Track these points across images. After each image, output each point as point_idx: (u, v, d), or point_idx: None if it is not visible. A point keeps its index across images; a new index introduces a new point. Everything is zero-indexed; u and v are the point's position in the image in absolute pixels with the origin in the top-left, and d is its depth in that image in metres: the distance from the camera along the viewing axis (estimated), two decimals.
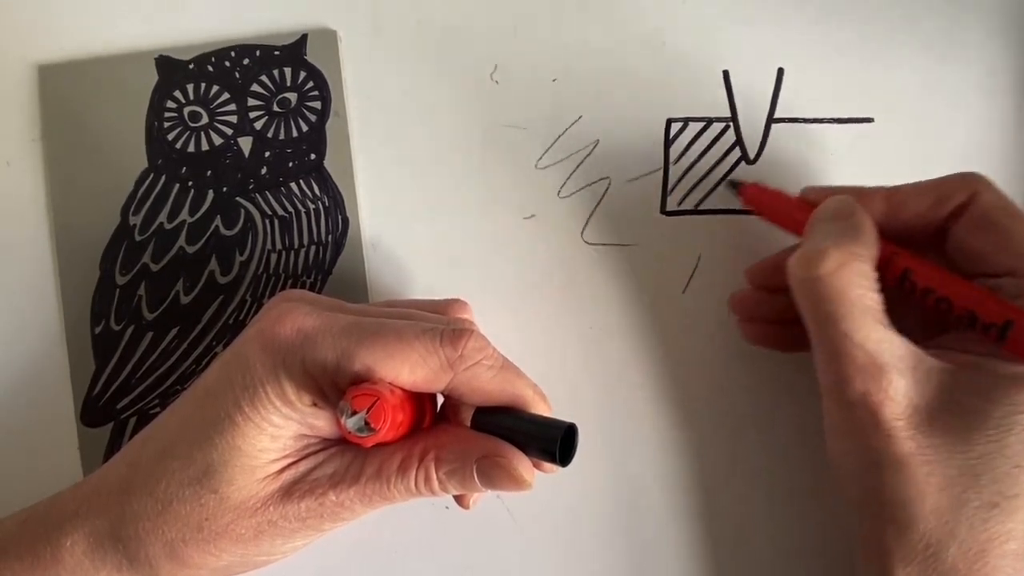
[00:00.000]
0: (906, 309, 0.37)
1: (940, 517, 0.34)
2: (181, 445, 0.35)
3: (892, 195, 0.39)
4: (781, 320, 0.43)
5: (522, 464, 0.35)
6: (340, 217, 0.47)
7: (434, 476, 0.35)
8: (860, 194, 0.40)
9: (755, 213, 0.44)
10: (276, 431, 0.35)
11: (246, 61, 0.48)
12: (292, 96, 0.48)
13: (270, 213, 0.47)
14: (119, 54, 0.48)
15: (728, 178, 0.46)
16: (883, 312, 0.36)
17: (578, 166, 0.47)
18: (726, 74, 0.47)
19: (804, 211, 0.40)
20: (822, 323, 0.36)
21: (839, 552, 0.44)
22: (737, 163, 0.46)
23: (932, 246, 0.40)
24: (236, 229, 0.47)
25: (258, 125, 0.48)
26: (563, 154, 0.47)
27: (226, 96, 0.48)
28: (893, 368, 0.34)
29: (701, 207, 0.47)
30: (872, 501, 0.36)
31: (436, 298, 0.42)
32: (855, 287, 0.35)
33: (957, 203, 0.38)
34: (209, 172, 0.48)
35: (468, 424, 0.38)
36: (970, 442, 0.34)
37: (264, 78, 0.48)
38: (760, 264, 0.44)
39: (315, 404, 0.35)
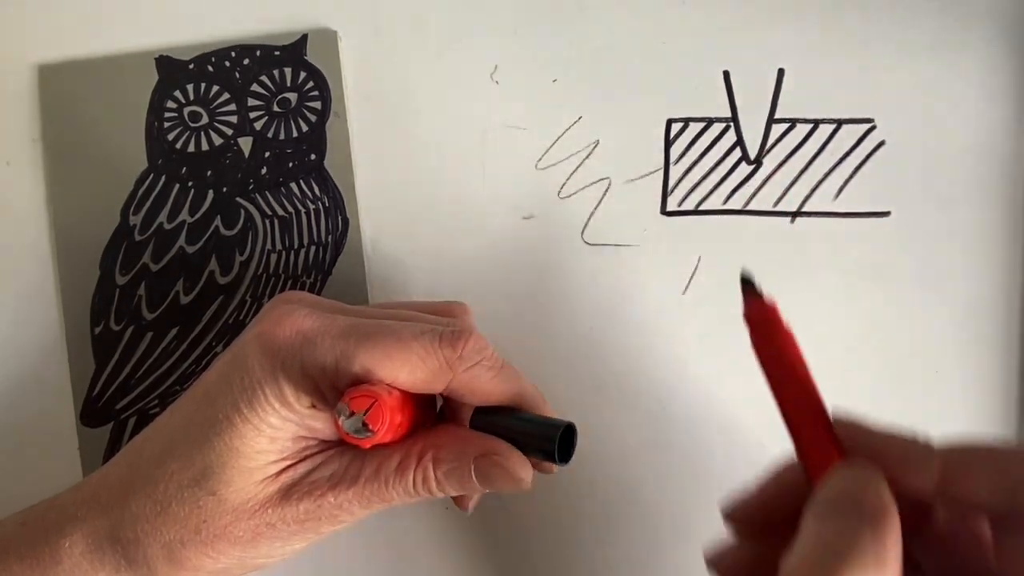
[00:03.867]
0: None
1: None
2: (180, 447, 0.35)
3: (949, 462, 0.29)
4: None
5: (520, 463, 0.35)
6: (340, 217, 0.47)
7: (432, 476, 0.35)
8: (905, 455, 0.30)
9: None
10: (274, 433, 0.35)
11: (246, 61, 0.48)
12: (292, 96, 0.48)
13: (270, 213, 0.47)
14: (119, 54, 0.48)
15: (742, 273, 0.34)
16: None
17: (578, 166, 0.47)
18: (726, 74, 0.47)
19: (819, 433, 0.31)
20: None
21: None
22: (738, 163, 0.46)
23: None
24: (236, 229, 0.47)
25: (258, 125, 0.48)
26: (563, 154, 0.47)
27: (226, 96, 0.48)
28: None
29: (701, 207, 0.46)
30: None
31: (436, 300, 0.42)
32: None
33: None
34: (209, 172, 0.48)
35: (467, 425, 0.38)
36: None
37: (264, 78, 0.48)
38: (744, 502, 0.34)
39: (314, 406, 0.35)
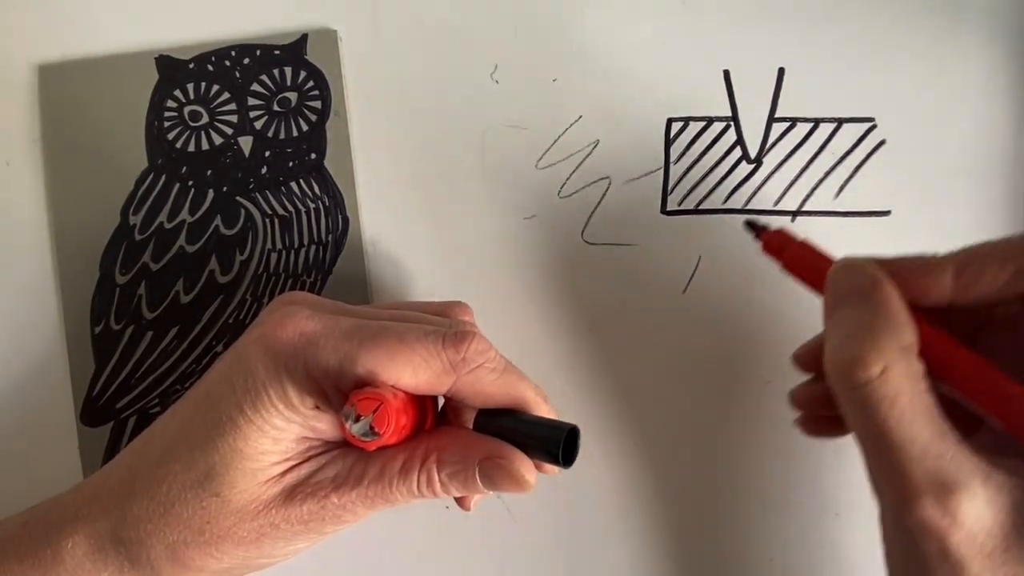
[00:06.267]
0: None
1: None
2: (182, 448, 0.35)
3: (965, 266, 0.32)
4: None
5: (524, 465, 0.35)
6: (340, 217, 0.47)
7: (436, 478, 0.35)
8: (926, 267, 0.33)
9: (779, 263, 0.39)
10: (278, 434, 0.35)
11: (246, 60, 0.48)
12: (292, 96, 0.48)
13: (270, 212, 0.47)
14: (119, 54, 0.48)
15: (747, 219, 0.41)
16: (942, 418, 0.30)
17: (578, 166, 0.47)
18: (727, 73, 0.47)
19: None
20: (873, 437, 0.31)
21: (834, 555, 0.44)
22: (738, 163, 0.46)
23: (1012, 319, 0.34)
24: (236, 228, 0.47)
25: (258, 124, 0.48)
26: (563, 154, 0.47)
27: (226, 95, 0.48)
28: (960, 487, 0.29)
29: (702, 207, 0.47)
30: None
31: (437, 300, 0.42)
32: (905, 392, 0.30)
33: None
34: (209, 171, 0.48)
35: (470, 426, 0.38)
36: None
37: (264, 77, 0.48)
38: (808, 346, 0.39)
39: (317, 407, 0.35)
